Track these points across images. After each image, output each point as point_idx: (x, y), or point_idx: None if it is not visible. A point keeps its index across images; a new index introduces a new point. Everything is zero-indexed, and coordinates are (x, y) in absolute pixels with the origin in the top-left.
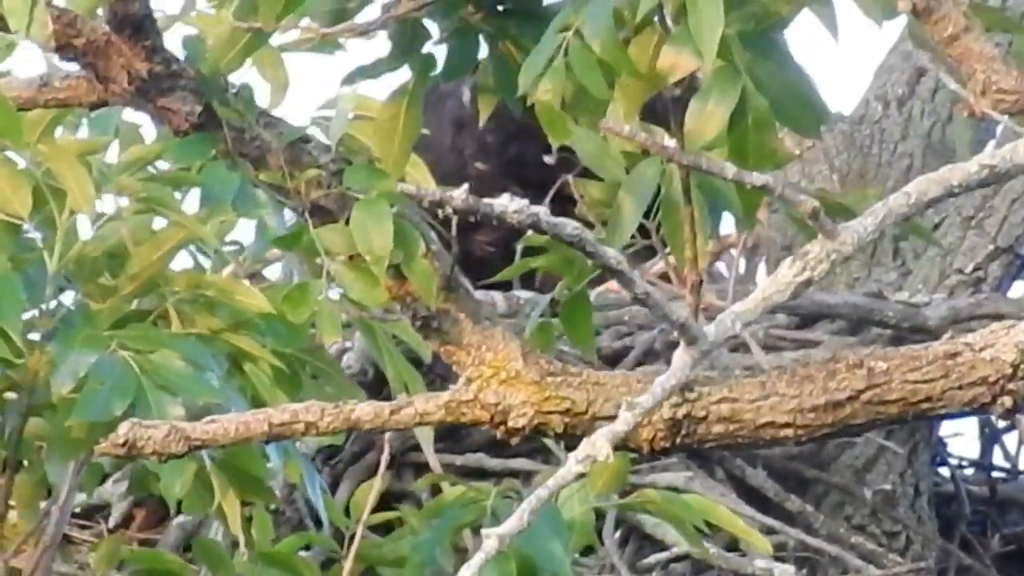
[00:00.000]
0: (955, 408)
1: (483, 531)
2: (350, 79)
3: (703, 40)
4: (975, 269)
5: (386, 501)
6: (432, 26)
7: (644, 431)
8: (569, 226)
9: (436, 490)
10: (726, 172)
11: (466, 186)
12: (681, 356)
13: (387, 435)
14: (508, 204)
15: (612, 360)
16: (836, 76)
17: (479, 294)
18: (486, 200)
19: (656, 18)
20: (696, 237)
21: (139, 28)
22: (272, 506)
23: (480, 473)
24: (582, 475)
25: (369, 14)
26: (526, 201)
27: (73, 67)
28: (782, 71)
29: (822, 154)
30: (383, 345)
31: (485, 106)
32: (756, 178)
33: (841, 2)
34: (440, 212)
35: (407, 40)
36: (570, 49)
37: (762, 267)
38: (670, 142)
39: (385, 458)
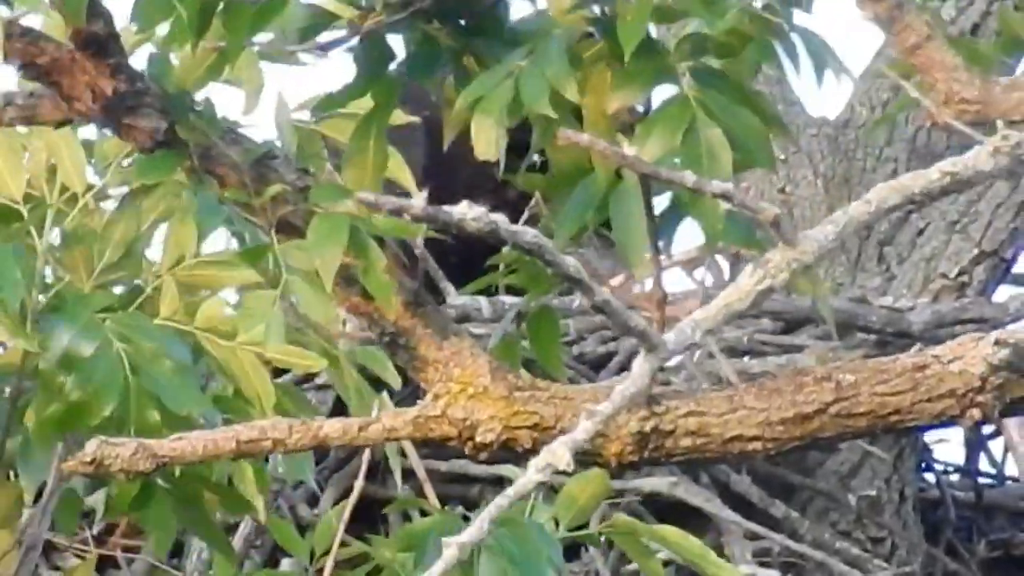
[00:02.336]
0: (924, 421)
1: (443, 540)
2: (319, 108)
3: (626, 38)
4: (960, 274)
5: (371, 509)
6: (397, 42)
7: (612, 445)
8: (528, 234)
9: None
10: (686, 180)
11: (425, 194)
12: (641, 364)
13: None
14: (467, 212)
15: (596, 366)
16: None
17: (465, 298)
18: (445, 208)
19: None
20: (659, 252)
21: (103, 46)
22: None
23: (465, 479)
24: (542, 484)
25: (336, 32)
26: (484, 209)
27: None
28: (735, 105)
29: (807, 159)
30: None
31: (450, 121)
32: (716, 186)
33: (829, 6)
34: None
35: (372, 61)
36: (522, 73)
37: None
38: (630, 151)
39: (363, 468)
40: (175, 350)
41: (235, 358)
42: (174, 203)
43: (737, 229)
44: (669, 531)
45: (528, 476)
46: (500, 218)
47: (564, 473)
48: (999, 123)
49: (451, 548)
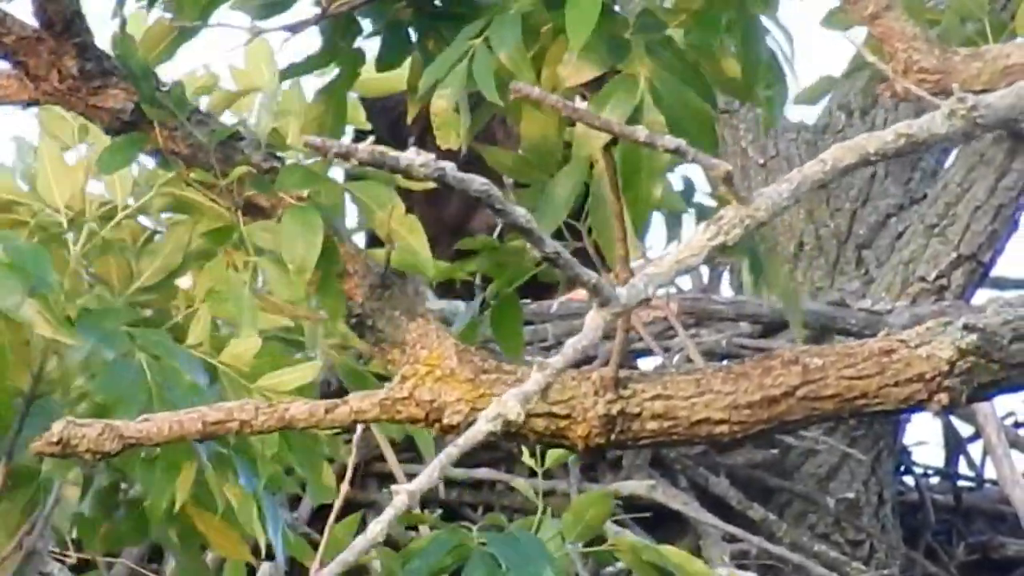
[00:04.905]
0: (891, 405)
1: (393, 488)
2: (282, 76)
3: (575, 29)
4: (938, 277)
5: (348, 513)
6: (364, 21)
7: (579, 428)
8: (476, 181)
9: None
10: (638, 135)
11: (372, 139)
12: (593, 318)
13: (353, 443)
14: (415, 158)
15: (578, 366)
16: (799, 85)
17: (443, 303)
18: (392, 152)
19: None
20: (625, 235)
21: (69, 26)
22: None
23: (444, 482)
24: (492, 434)
25: (300, 8)
26: (432, 155)
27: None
28: (683, 85)
29: (785, 163)
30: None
31: (413, 104)
32: (668, 141)
33: (802, 11)
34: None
35: (339, 36)
36: (475, 55)
37: (726, 275)
38: (582, 105)
39: (350, 469)
40: (195, 372)
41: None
42: (218, 243)
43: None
44: (670, 552)
45: (478, 426)
46: (448, 165)
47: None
48: (955, 87)
49: (401, 495)
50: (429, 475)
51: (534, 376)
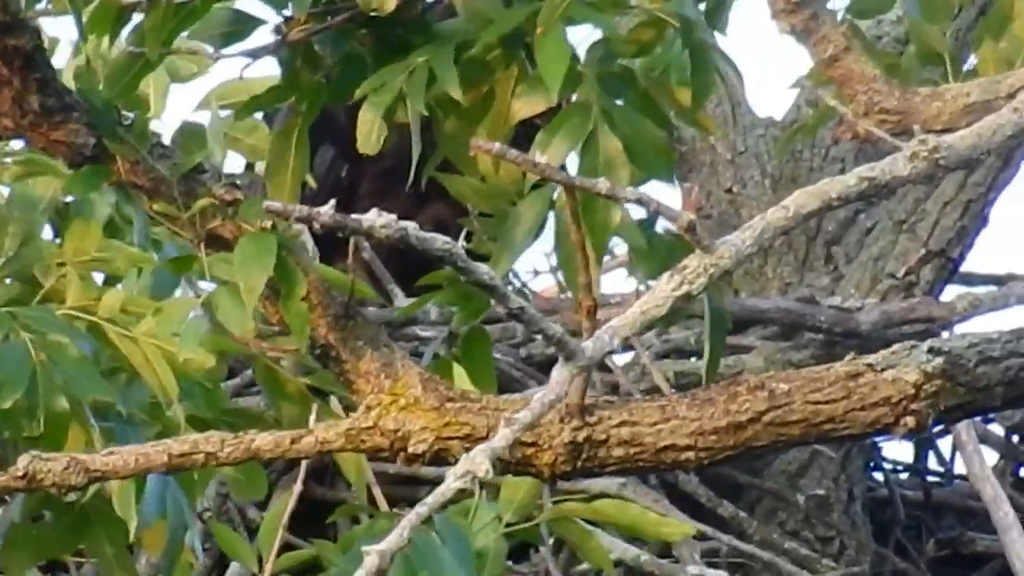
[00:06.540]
0: (858, 429)
1: (363, 548)
2: (244, 111)
3: (549, 74)
4: (907, 273)
5: (320, 512)
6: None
7: (544, 455)
8: (439, 240)
9: (372, 502)
10: (600, 188)
11: (333, 202)
12: (560, 371)
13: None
14: (376, 219)
15: (547, 366)
16: (767, 81)
17: (412, 301)
18: (354, 216)
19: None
20: (588, 263)
21: (30, 61)
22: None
23: (413, 481)
24: (462, 491)
25: (259, 36)
26: (394, 216)
27: None
28: (636, 113)
29: (754, 159)
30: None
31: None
32: (630, 193)
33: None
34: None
35: (299, 65)
36: (414, 72)
37: None
38: (542, 159)
39: (302, 472)
40: (79, 342)
41: (137, 349)
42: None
43: (656, 255)
44: (606, 504)
45: (447, 484)
46: (410, 225)
47: None
48: (916, 128)
49: (371, 556)
50: (399, 534)
51: (502, 431)
